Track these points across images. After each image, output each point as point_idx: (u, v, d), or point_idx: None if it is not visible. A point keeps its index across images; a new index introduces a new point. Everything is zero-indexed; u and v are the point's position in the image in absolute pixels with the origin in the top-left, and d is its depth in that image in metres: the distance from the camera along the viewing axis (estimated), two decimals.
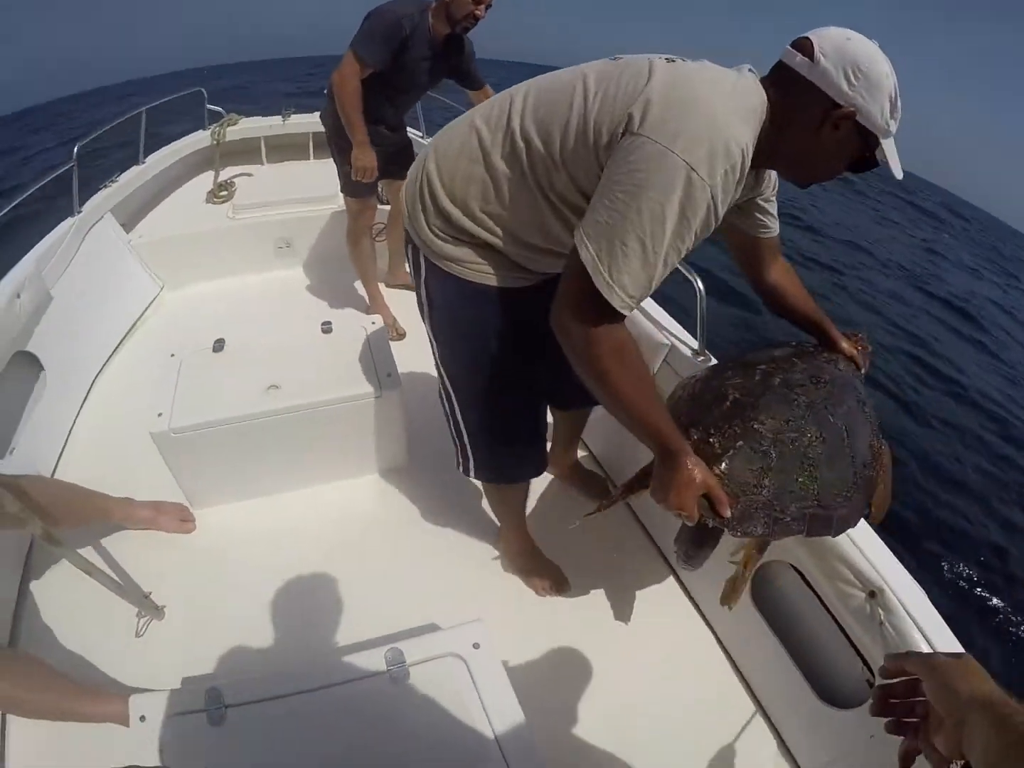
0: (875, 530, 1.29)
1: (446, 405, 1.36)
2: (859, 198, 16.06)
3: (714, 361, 1.61)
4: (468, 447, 1.39)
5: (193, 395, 1.63)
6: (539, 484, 1.93)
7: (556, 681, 1.49)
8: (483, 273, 1.12)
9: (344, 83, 2.08)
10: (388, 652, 1.09)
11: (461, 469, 1.44)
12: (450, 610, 1.47)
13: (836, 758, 1.38)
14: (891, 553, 1.27)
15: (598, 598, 1.68)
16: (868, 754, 1.29)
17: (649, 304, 1.81)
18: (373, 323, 1.92)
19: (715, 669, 1.59)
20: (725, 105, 0.84)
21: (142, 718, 0.99)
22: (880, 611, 1.20)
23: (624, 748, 1.39)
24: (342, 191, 2.53)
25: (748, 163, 0.87)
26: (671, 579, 1.74)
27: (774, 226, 1.24)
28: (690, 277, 1.61)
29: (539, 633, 1.56)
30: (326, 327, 1.87)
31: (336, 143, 2.37)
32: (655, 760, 1.41)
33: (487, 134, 1.02)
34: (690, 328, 1.71)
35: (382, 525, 1.78)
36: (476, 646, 1.10)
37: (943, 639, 1.14)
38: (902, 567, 1.26)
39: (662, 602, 1.68)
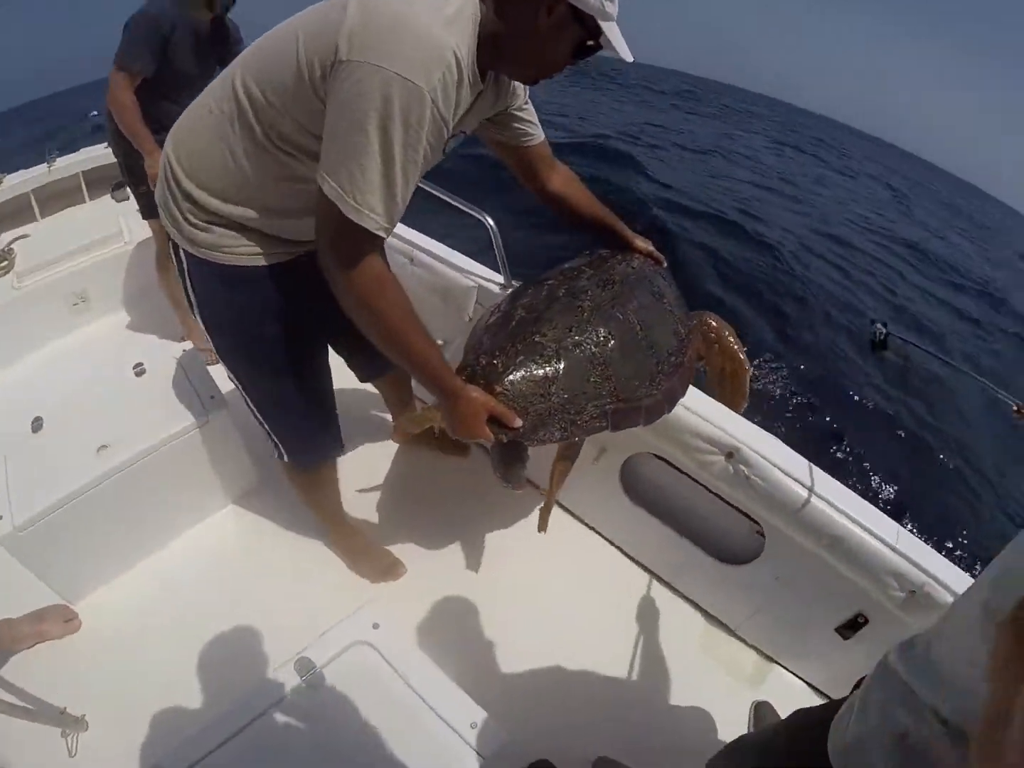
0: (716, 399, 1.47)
1: (242, 397, 1.34)
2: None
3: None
4: (272, 434, 1.39)
5: (26, 484, 1.50)
6: (390, 457, 2.05)
7: (470, 632, 1.61)
8: (244, 255, 1.10)
9: (117, 100, 1.99)
10: (296, 664, 1.13)
11: (276, 456, 1.44)
12: (346, 604, 1.47)
13: (759, 608, 1.64)
14: (737, 415, 1.46)
15: (491, 542, 1.83)
16: (782, 595, 1.55)
17: (452, 254, 1.91)
18: (184, 350, 1.88)
19: (618, 568, 1.81)
20: (429, 16, 0.85)
21: None
22: (743, 468, 1.40)
23: (555, 665, 1.55)
24: (144, 216, 2.39)
25: (464, 65, 0.88)
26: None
27: (536, 132, 1.27)
28: (479, 216, 1.69)
29: (438, 597, 1.67)
30: (139, 369, 1.81)
31: (128, 166, 2.23)
32: (589, 665, 1.58)
33: (215, 105, 1.01)
34: (494, 266, 1.79)
35: (258, 549, 1.78)
36: (376, 626, 1.16)
37: (809, 478, 1.34)
38: (749, 423, 1.45)
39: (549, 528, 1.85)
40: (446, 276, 1.87)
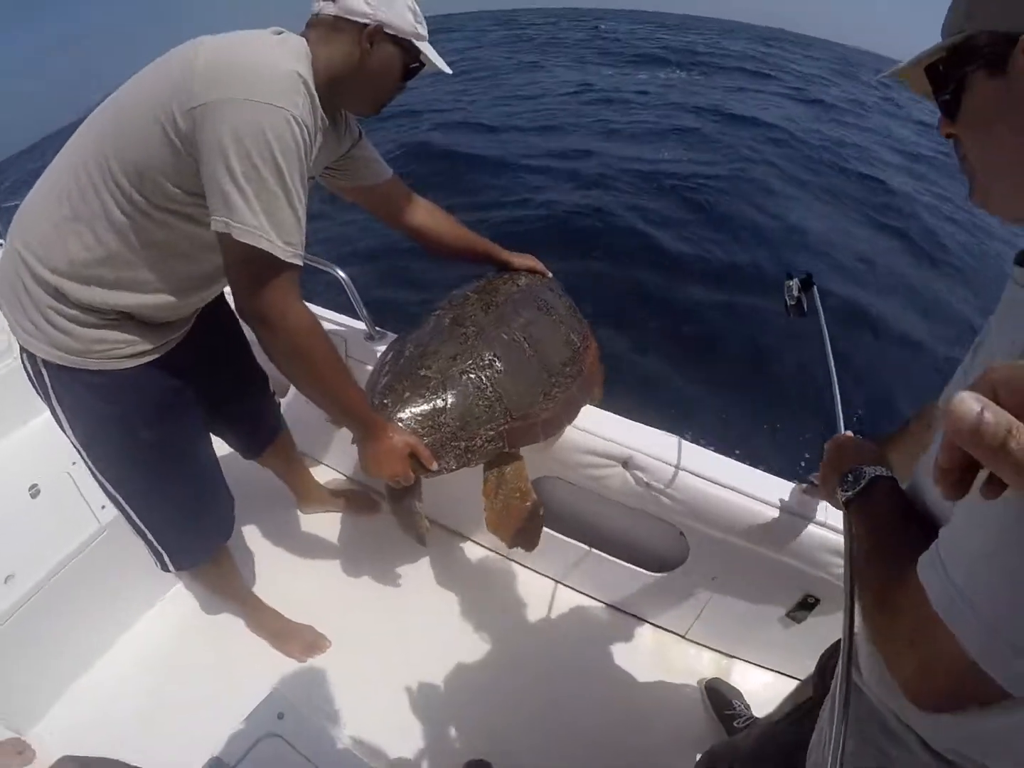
0: (602, 407, 1.45)
1: (121, 510, 1.24)
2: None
3: (391, 336, 1.70)
4: (156, 543, 1.29)
5: None
6: (299, 526, 1.97)
7: (400, 697, 1.52)
8: (116, 357, 1.02)
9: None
10: (209, 765, 1.07)
11: (159, 567, 1.34)
12: (257, 691, 1.41)
13: (703, 608, 1.60)
14: (625, 419, 1.43)
15: (414, 597, 1.76)
16: (723, 592, 1.52)
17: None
18: (74, 463, 1.78)
19: (552, 599, 1.75)
20: (271, 50, 0.90)
21: None
22: (640, 474, 1.37)
23: (496, 712, 1.48)
24: None
25: (313, 89, 0.91)
26: (469, 545, 1.90)
27: (383, 168, 1.28)
28: (328, 269, 1.64)
29: (360, 666, 1.58)
30: (33, 490, 1.76)
31: None
32: (535, 710, 1.51)
33: (68, 183, 0.94)
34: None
35: (189, 646, 1.68)
36: (281, 716, 1.11)
37: (715, 470, 1.30)
38: (645, 427, 1.41)
39: (473, 565, 1.81)
40: None
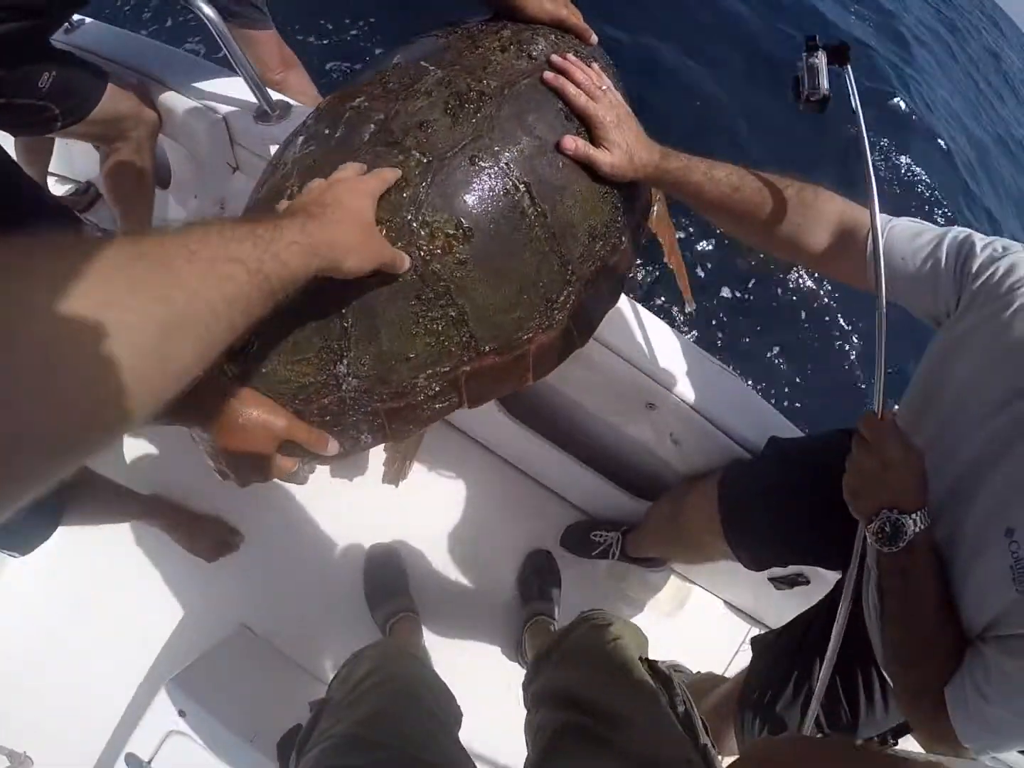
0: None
1: None
2: None
3: (299, 111, 1.17)
4: None
5: None
6: None
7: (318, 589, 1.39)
8: None
9: None
10: (127, 759, 1.00)
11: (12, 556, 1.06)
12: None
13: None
14: (676, 341, 1.10)
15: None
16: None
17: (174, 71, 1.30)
18: None
19: (535, 499, 1.52)
20: None
21: None
22: (668, 429, 1.12)
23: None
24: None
25: None
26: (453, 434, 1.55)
27: None
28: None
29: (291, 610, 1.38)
30: None
31: None
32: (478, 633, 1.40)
33: None
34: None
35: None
36: (183, 713, 1.01)
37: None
38: (679, 344, 1.10)
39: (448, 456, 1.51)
40: (174, 111, 1.27)
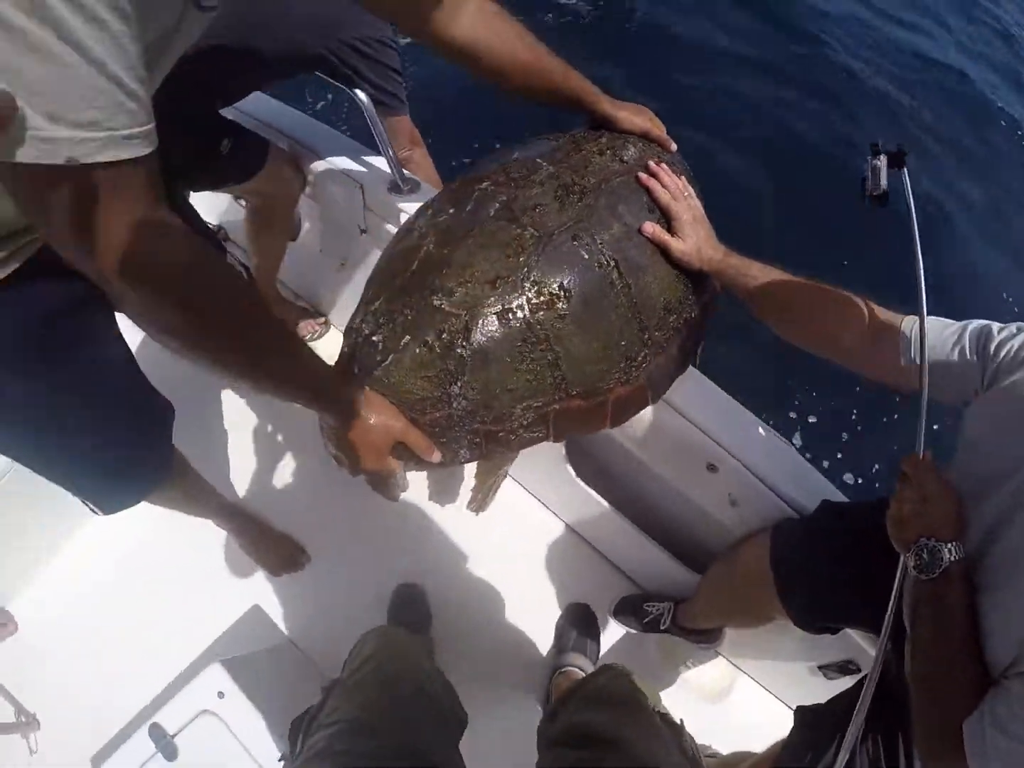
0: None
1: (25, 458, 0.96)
2: None
3: (427, 191, 1.32)
4: (75, 492, 1.03)
5: None
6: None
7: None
8: None
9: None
10: (150, 730, 1.01)
11: (92, 512, 1.07)
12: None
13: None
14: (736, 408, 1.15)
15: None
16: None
17: (320, 138, 1.50)
18: None
19: (587, 561, 1.56)
20: None
21: None
22: (729, 490, 1.14)
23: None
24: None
25: None
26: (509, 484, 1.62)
27: None
28: (344, 88, 1.30)
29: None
30: None
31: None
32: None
33: None
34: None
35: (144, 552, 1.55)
36: (221, 695, 1.03)
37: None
38: (742, 412, 1.15)
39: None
40: (318, 176, 1.46)
